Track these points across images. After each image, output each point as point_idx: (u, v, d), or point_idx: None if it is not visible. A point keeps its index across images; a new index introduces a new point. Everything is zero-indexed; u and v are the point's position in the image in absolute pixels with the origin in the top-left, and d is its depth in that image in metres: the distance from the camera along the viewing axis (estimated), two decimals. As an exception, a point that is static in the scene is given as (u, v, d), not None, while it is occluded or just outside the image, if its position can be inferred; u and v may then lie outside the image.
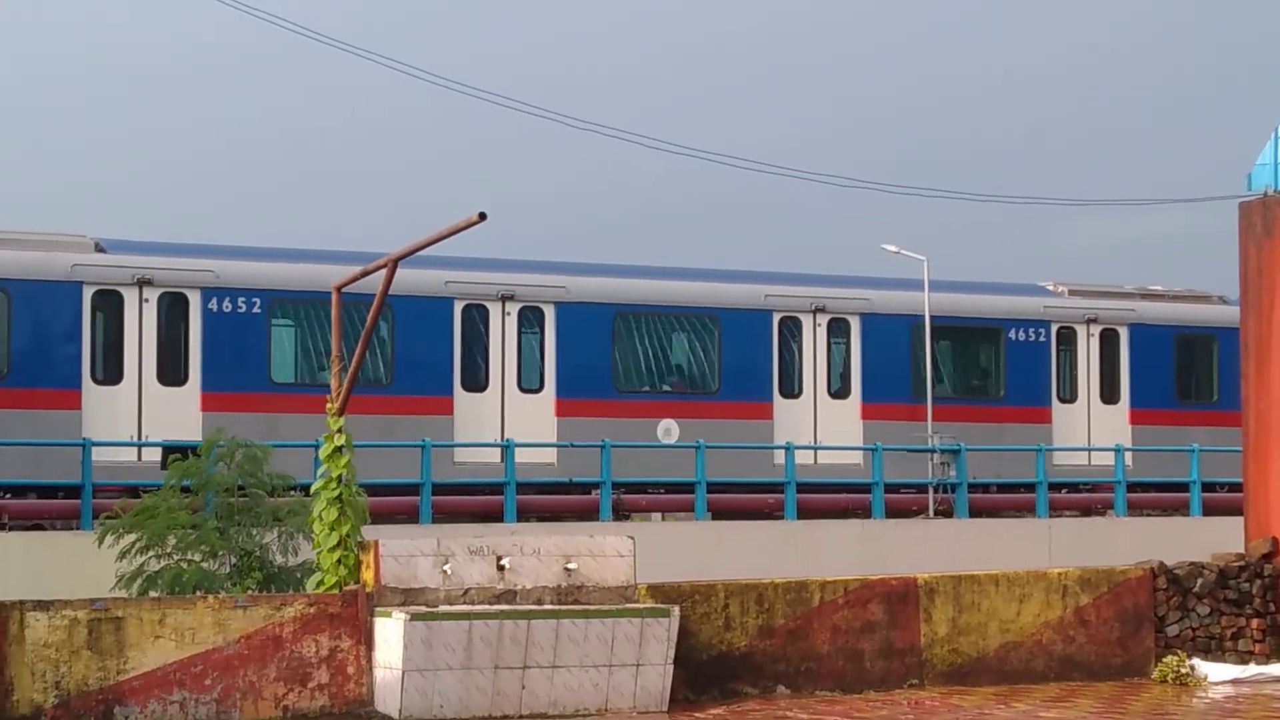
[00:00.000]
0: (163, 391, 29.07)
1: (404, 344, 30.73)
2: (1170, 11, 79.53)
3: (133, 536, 20.95)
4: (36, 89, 74.42)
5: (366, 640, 17.26)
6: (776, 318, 33.31)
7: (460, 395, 30.91)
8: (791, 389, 33.33)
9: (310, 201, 74.00)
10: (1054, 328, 35.33)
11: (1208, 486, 34.53)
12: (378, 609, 17.26)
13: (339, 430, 18.35)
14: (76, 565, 23.17)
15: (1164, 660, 20.38)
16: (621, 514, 30.11)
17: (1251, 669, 20.55)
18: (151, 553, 20.88)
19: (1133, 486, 34.37)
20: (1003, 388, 34.95)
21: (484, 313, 31.22)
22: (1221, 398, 35.88)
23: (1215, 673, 20.27)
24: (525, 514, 29.32)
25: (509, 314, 31.26)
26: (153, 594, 20.10)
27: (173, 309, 29.29)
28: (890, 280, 35.51)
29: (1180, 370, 36.51)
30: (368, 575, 17.50)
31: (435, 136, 76.71)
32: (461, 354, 31.07)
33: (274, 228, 69.47)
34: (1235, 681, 20.15)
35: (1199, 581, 20.96)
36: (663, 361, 32.73)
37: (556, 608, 17.64)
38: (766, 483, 31.67)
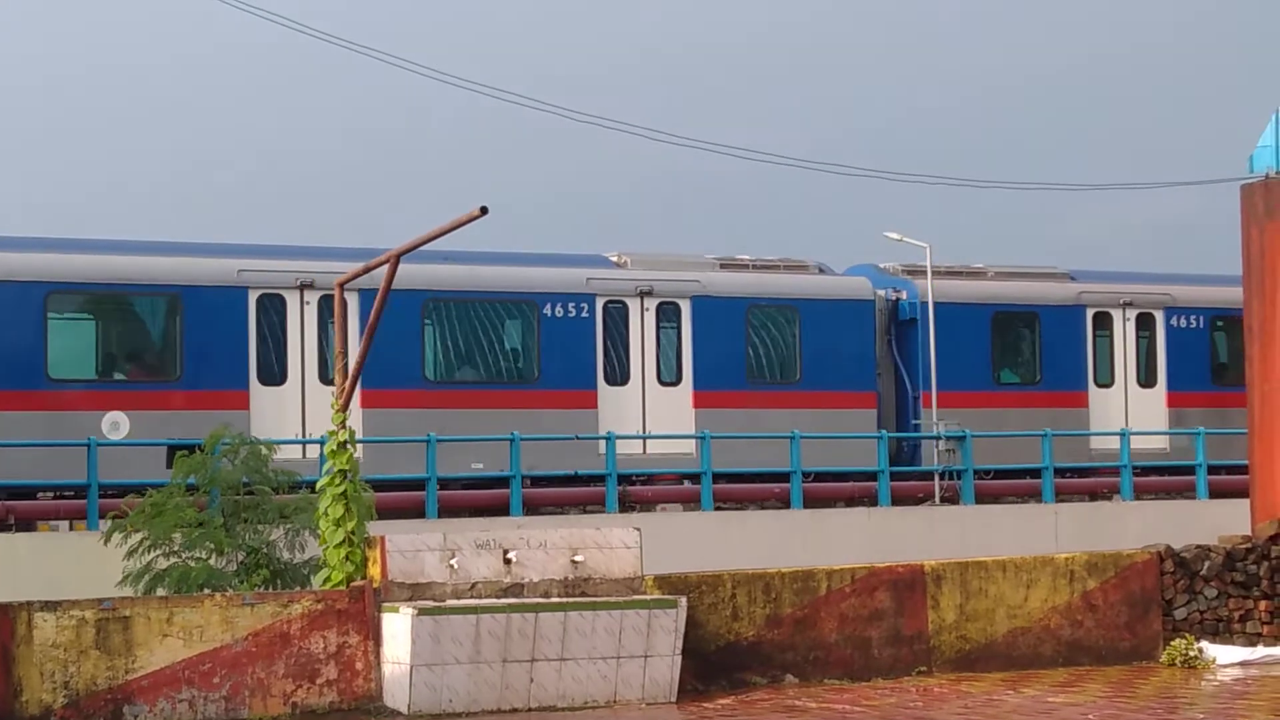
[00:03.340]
0: None
1: None
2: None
3: (140, 535, 20.95)
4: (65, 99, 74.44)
5: (374, 636, 17.26)
6: (254, 295, 29.28)
7: None
8: (273, 376, 29.30)
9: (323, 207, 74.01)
10: (600, 302, 31.33)
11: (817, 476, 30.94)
12: (385, 604, 17.27)
13: (343, 425, 18.38)
14: (83, 565, 23.17)
15: (1172, 643, 20.38)
16: (627, 505, 30.03)
17: (1260, 651, 20.55)
18: (158, 551, 20.88)
19: (715, 477, 30.12)
20: (537, 370, 30.88)
21: None
22: (804, 378, 32.67)
23: (1224, 655, 20.27)
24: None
25: None
26: (160, 592, 20.09)
27: None
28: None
29: (755, 347, 32.52)
30: (374, 571, 17.50)
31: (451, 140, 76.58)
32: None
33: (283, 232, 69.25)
34: (1244, 663, 20.16)
35: (1206, 564, 20.96)
36: (112, 347, 29.02)
37: (563, 600, 17.64)
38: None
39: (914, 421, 33.18)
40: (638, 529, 18.56)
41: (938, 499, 32.55)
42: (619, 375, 31.50)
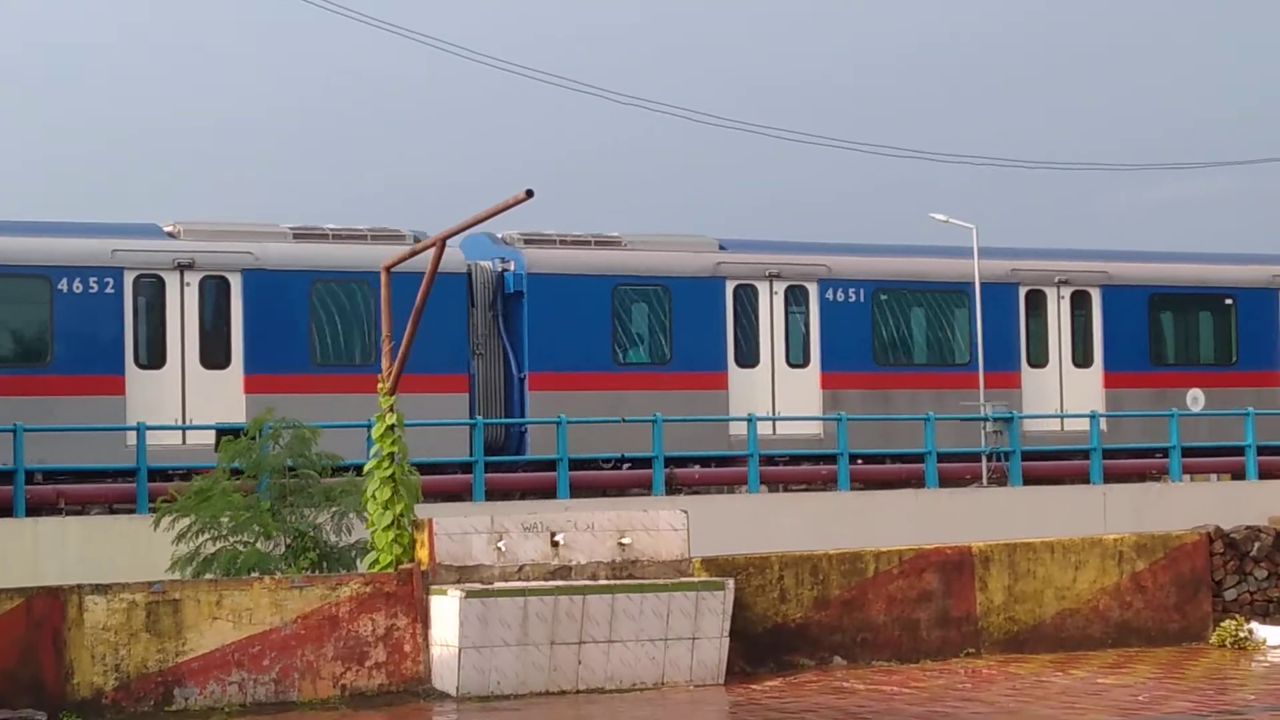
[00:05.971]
0: None
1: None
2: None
3: (189, 519, 21.02)
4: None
5: (423, 618, 17.30)
6: None
7: None
8: None
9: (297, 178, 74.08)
10: (129, 276, 28.57)
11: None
12: (433, 587, 17.30)
13: (390, 409, 18.40)
14: (134, 549, 23.30)
15: (1222, 625, 20.29)
16: (674, 488, 30.02)
17: (1310, 632, 20.45)
18: (207, 535, 20.95)
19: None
20: (51, 352, 28.29)
21: None
22: (379, 359, 30.25)
23: (1274, 636, 20.17)
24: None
25: None
26: (208, 576, 20.17)
27: None
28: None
29: (321, 326, 29.75)
30: (422, 553, 17.54)
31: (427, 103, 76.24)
32: None
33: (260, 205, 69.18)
34: (1294, 645, 20.07)
35: (1256, 545, 20.86)
36: None
37: (611, 583, 17.65)
38: None
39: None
40: (684, 511, 18.55)
41: (985, 480, 32.51)
42: (154, 357, 28.90)
